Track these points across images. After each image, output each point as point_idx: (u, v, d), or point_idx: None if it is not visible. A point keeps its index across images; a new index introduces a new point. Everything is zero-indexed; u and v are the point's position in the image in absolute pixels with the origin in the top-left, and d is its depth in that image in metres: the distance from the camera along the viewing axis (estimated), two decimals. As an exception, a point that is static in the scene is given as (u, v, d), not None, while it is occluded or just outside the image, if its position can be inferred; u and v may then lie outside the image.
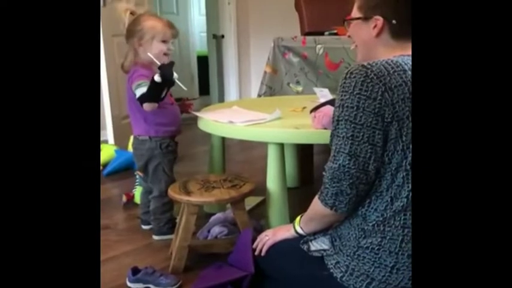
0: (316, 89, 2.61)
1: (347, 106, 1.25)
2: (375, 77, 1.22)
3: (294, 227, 1.52)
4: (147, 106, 2.07)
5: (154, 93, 2.04)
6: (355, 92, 1.23)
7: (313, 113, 1.90)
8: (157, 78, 1.96)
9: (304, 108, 2.33)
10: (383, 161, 1.26)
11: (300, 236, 1.50)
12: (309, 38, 3.05)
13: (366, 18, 1.36)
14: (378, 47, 1.37)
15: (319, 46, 2.97)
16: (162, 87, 2.04)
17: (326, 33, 3.11)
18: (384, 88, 1.21)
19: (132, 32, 2.12)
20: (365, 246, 1.30)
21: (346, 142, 1.25)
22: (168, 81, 2.00)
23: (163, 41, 2.12)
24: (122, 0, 2.16)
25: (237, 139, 2.15)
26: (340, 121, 1.27)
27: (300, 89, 3.12)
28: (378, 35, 1.35)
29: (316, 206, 1.37)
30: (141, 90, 2.04)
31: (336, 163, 1.26)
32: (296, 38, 3.13)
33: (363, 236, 1.31)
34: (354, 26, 1.42)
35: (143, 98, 2.05)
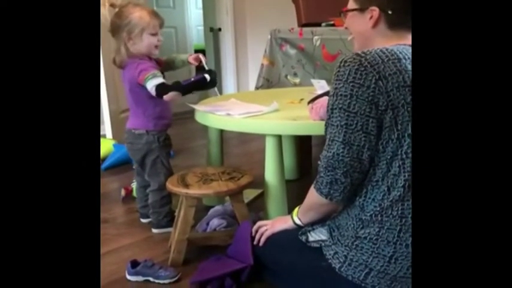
0: (313, 81, 2.60)
1: (341, 94, 1.25)
2: (368, 65, 1.22)
3: (292, 218, 1.53)
4: (171, 96, 2.03)
5: (193, 90, 2.08)
6: (348, 80, 1.24)
7: (310, 105, 1.90)
8: (208, 77, 2.01)
9: (301, 100, 2.33)
10: (377, 150, 1.26)
11: (298, 227, 1.51)
12: (306, 30, 3.04)
13: (361, 9, 1.36)
14: (374, 37, 1.37)
15: (316, 37, 2.95)
16: (201, 88, 2.09)
17: (323, 24, 3.09)
18: (377, 76, 1.21)
19: (119, 26, 2.07)
20: (363, 236, 1.30)
21: (340, 130, 1.25)
22: (213, 85, 2.06)
23: (153, 34, 2.09)
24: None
25: (235, 132, 2.15)
26: (334, 109, 1.27)
27: (297, 80, 3.11)
28: (375, 25, 1.35)
29: (312, 195, 1.37)
30: (157, 80, 2.01)
31: (330, 151, 1.27)
32: (293, 29, 3.12)
33: (361, 226, 1.31)
34: (350, 18, 1.42)
35: (170, 88, 2.02)
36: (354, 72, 1.23)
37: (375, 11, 1.33)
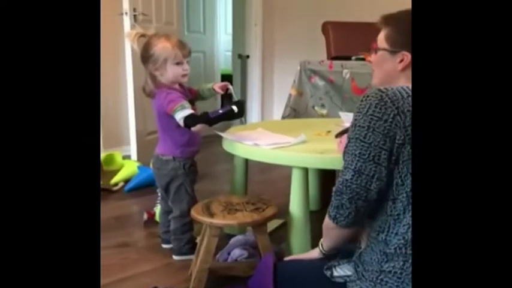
0: (341, 113, 2.60)
1: (359, 126, 1.30)
2: (389, 101, 1.27)
3: (320, 244, 1.56)
4: (199, 128, 2.05)
5: (220, 121, 2.08)
6: (368, 113, 1.29)
7: (338, 138, 1.90)
8: (235, 109, 2.02)
9: (328, 132, 2.32)
10: (397, 183, 1.29)
11: (324, 256, 1.53)
12: (336, 63, 3.05)
13: (393, 52, 1.40)
14: (399, 78, 1.41)
15: (345, 71, 2.96)
16: (228, 119, 2.09)
17: (353, 58, 3.11)
18: (396, 111, 1.26)
19: (146, 57, 2.11)
20: (387, 270, 1.30)
21: (353, 159, 1.30)
22: (241, 116, 2.07)
23: (177, 63, 2.12)
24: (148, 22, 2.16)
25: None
26: (351, 139, 1.33)
27: (324, 112, 3.11)
28: (403, 69, 1.39)
29: (325, 218, 1.41)
30: (185, 112, 2.02)
31: (342, 177, 1.32)
32: (323, 62, 3.13)
33: (385, 260, 1.31)
34: (379, 56, 1.45)
35: (198, 120, 2.04)
36: (374, 106, 1.28)
37: (407, 56, 1.37)
